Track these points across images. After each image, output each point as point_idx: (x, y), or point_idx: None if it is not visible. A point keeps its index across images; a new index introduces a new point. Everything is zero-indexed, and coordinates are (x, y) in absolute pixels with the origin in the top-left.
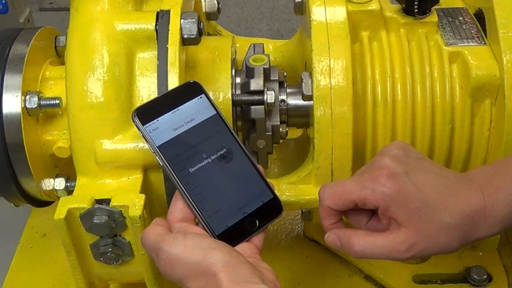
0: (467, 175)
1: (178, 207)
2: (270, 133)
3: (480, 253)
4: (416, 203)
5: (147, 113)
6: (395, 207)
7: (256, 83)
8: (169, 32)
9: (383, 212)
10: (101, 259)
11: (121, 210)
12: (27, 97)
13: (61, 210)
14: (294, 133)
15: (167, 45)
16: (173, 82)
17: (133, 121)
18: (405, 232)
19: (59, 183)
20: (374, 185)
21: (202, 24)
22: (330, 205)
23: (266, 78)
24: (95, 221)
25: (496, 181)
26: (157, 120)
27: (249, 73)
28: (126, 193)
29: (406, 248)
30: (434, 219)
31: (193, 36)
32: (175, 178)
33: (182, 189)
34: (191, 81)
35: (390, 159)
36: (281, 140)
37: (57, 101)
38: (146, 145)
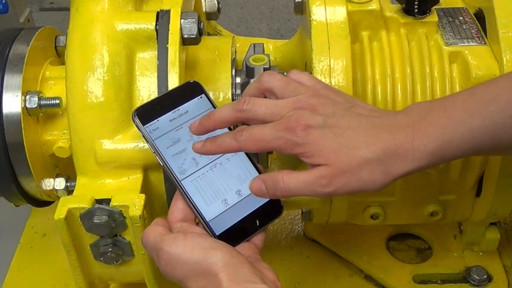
0: (403, 110)
1: (179, 207)
2: None
3: (480, 253)
4: (333, 146)
5: (147, 113)
6: (310, 154)
7: None
8: (169, 32)
9: (301, 157)
10: (101, 259)
11: (121, 210)
12: (27, 97)
13: (61, 210)
14: None
15: (167, 45)
16: (173, 82)
17: (133, 121)
18: (326, 168)
19: (59, 183)
20: (288, 135)
21: (202, 24)
22: (248, 149)
23: None
24: (95, 221)
25: (430, 115)
26: (157, 120)
27: (249, 73)
28: (126, 193)
29: (327, 182)
30: (354, 156)
31: (193, 36)
32: (175, 178)
33: (182, 189)
34: (191, 81)
35: (310, 111)
36: None
37: (57, 101)
38: (146, 145)
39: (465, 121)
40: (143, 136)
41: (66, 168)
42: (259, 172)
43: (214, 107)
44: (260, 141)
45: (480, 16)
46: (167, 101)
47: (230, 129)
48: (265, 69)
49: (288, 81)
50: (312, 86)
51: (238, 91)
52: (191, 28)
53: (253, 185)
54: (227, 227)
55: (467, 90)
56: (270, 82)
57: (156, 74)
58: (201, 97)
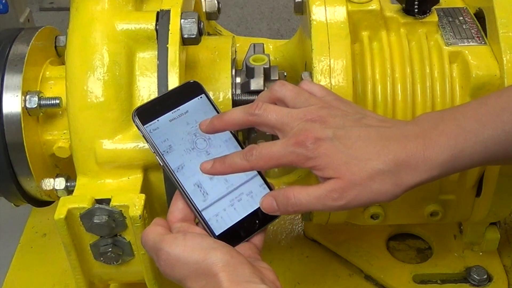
0: (414, 120)
1: (178, 207)
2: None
3: (480, 253)
4: (343, 159)
5: (147, 113)
6: (321, 167)
7: (256, 83)
8: (169, 32)
9: (312, 171)
10: (101, 259)
11: (121, 210)
12: (27, 97)
13: (61, 210)
14: None
15: (167, 45)
16: (173, 82)
17: (133, 121)
18: (336, 181)
19: (59, 183)
20: (299, 150)
21: (202, 24)
22: (259, 167)
23: (266, 78)
24: (95, 221)
25: (441, 125)
26: (157, 120)
27: (249, 73)
28: (126, 193)
29: (338, 195)
30: (365, 168)
31: (193, 36)
32: (175, 178)
33: (182, 189)
34: (191, 81)
35: (319, 124)
36: None
37: (57, 101)
38: (146, 145)
39: (477, 131)
40: (143, 136)
41: (66, 168)
42: (259, 172)
43: (214, 107)
44: (271, 159)
45: (480, 16)
46: (167, 101)
47: (231, 132)
48: (265, 69)
49: (299, 92)
50: (323, 97)
51: (238, 91)
52: (191, 28)
53: (264, 202)
54: (226, 227)
55: (478, 99)
56: (282, 91)
57: (156, 74)
58: (201, 97)
